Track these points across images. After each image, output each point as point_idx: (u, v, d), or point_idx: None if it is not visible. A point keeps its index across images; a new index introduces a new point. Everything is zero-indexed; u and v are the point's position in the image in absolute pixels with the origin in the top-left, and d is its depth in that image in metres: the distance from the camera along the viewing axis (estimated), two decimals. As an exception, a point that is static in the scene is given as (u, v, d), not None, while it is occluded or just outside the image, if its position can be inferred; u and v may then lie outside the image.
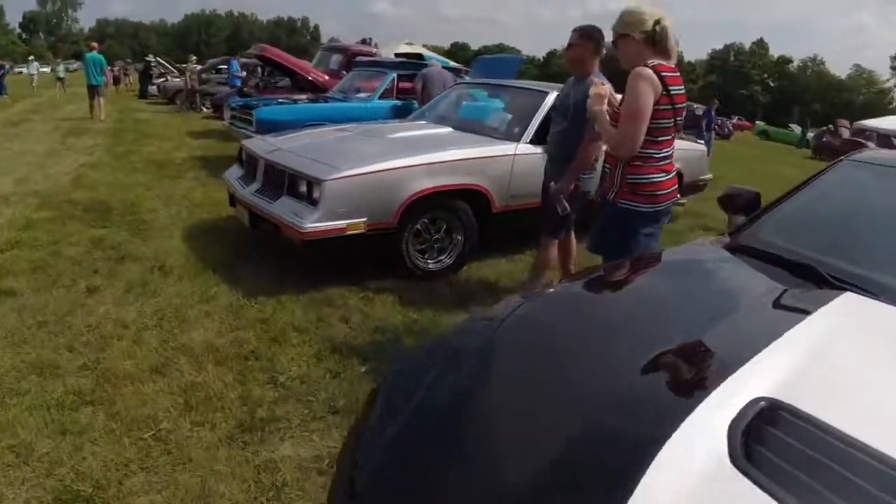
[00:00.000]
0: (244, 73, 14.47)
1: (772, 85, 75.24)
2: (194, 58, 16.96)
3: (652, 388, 1.26)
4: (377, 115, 7.84)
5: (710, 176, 7.12)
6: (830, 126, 28.66)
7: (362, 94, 8.27)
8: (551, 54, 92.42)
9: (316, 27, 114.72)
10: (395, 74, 8.24)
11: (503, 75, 10.04)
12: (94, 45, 15.03)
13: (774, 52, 77.32)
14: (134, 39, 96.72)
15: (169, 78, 21.28)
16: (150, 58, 23.45)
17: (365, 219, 3.69)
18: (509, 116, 4.97)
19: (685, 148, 6.54)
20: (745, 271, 1.93)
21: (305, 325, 3.25)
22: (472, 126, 4.91)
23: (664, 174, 2.69)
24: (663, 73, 2.54)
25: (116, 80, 24.77)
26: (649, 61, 2.56)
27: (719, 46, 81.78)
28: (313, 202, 3.62)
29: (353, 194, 3.64)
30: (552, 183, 3.54)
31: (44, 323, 3.09)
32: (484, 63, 9.89)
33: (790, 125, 37.10)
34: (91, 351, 2.83)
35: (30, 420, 2.28)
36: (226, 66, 20.49)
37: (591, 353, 1.43)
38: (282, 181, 3.91)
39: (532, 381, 1.34)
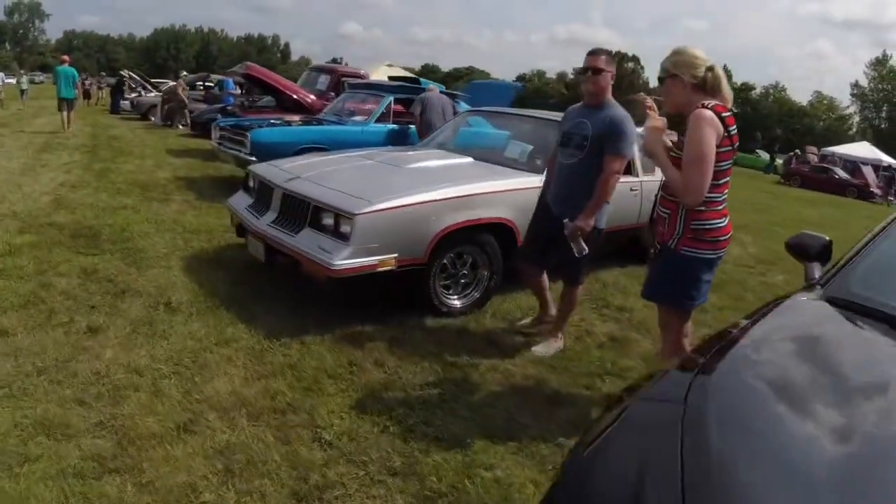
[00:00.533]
0: (239, 92, 14.15)
1: (735, 111, 77.49)
2: (185, 73, 16.48)
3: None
4: (374, 139, 7.65)
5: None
6: (798, 152, 29.55)
7: (358, 118, 8.05)
8: (521, 77, 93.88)
9: (286, 45, 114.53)
10: (391, 98, 8.06)
11: (498, 101, 10.00)
12: (66, 57, 14.62)
13: (737, 79, 79.93)
14: (101, 53, 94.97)
15: (142, 93, 20.71)
16: (124, 72, 22.81)
17: (396, 255, 3.46)
18: (530, 148, 4.81)
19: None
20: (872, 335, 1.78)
21: (338, 372, 2.99)
22: (492, 157, 4.75)
23: (724, 218, 2.59)
24: (723, 114, 2.45)
25: (87, 94, 24.04)
26: (707, 102, 2.46)
27: None
28: (342, 236, 3.38)
29: (384, 229, 3.42)
30: (566, 220, 3.29)
31: (44, 370, 2.76)
32: (478, 88, 9.83)
33: (756, 151, 38.17)
34: (104, 405, 2.51)
35: (46, 493, 1.97)
36: (202, 84, 20.18)
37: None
38: (304, 213, 3.66)
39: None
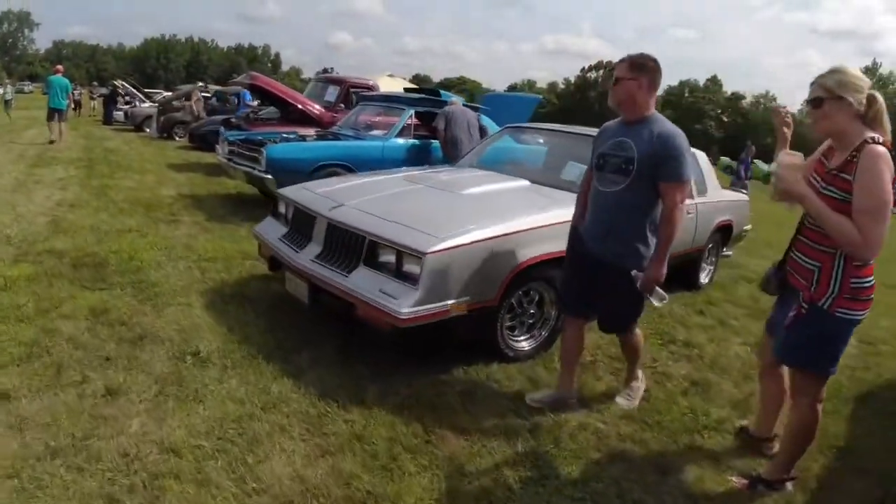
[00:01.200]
0: (256, 104, 13.68)
1: (725, 120, 78.07)
2: (201, 84, 15.85)
3: None
4: (395, 155, 7.19)
5: (750, 226, 6.78)
6: None
7: (376, 132, 7.58)
8: (512, 87, 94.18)
9: (277, 55, 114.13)
10: (412, 111, 7.59)
11: (517, 115, 9.58)
12: (59, 67, 14.14)
13: (728, 88, 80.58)
14: (91, 62, 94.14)
15: (137, 104, 20.13)
16: (117, 82, 22.21)
17: (468, 298, 2.98)
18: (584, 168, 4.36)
19: (733, 198, 6.15)
20: None
21: (414, 443, 2.49)
22: (547, 179, 4.30)
23: (871, 272, 2.19)
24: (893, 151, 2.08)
25: (77, 105, 23.40)
26: (875, 136, 2.06)
27: (674, 83, 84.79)
28: (407, 278, 2.91)
29: (457, 269, 2.94)
30: (634, 272, 2.70)
31: (59, 451, 2.24)
32: (494, 102, 9.39)
33: (755, 160, 38.23)
34: (143, 502, 2.00)
35: None
36: (206, 95, 19.62)
37: None
38: (356, 248, 3.17)
39: None
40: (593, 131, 5.04)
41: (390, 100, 8.20)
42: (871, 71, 67.69)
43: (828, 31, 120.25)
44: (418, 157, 7.50)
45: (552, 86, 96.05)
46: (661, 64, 2.72)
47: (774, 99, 79.51)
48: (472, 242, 3.02)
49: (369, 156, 7.03)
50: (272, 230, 3.90)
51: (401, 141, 7.41)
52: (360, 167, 6.82)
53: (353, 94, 10.51)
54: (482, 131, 7.59)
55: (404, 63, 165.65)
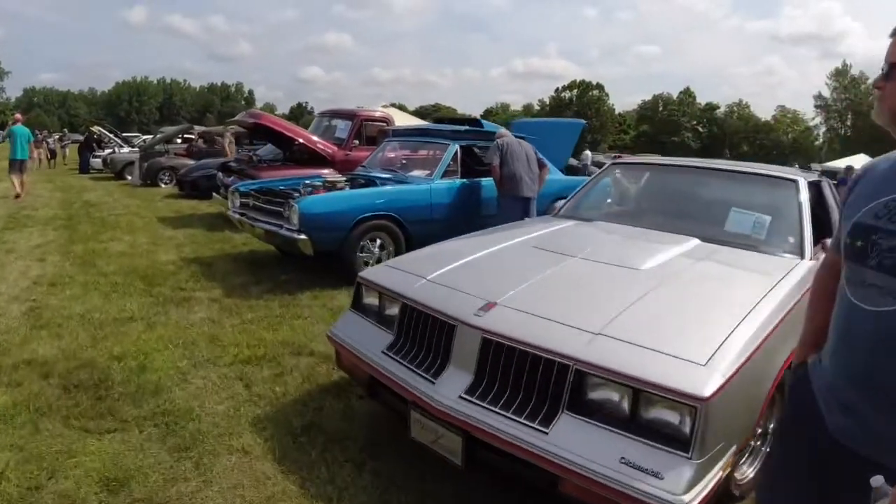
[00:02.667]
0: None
1: (701, 131, 78.65)
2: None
3: None
4: (443, 199, 6.06)
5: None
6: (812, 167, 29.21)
7: (417, 173, 6.39)
8: (488, 112, 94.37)
9: (251, 92, 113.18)
10: (457, 146, 6.43)
11: (561, 144, 8.47)
12: (18, 116, 13.01)
13: (701, 99, 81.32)
14: (62, 109, 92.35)
15: (116, 149, 18.78)
16: (94, 128, 20.84)
17: (734, 446, 1.83)
18: (768, 219, 3.23)
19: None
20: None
21: None
22: (709, 233, 3.19)
23: None
24: None
25: (52, 154, 21.93)
26: None
27: (648, 98, 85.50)
28: (662, 435, 1.71)
29: (730, 409, 1.82)
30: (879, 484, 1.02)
31: None
32: (531, 128, 8.28)
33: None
34: None
35: None
36: (181, 137, 18.33)
37: None
38: (547, 379, 1.97)
39: None
40: (769, 168, 3.95)
41: (425, 134, 7.04)
42: (842, 73, 68.67)
43: (789, 36, 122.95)
44: (469, 200, 6.36)
45: (527, 108, 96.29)
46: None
47: (748, 107, 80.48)
48: (744, 362, 1.87)
49: (416, 202, 5.87)
50: (363, 335, 2.66)
51: (448, 182, 6.23)
52: (406, 216, 5.67)
53: (388, 130, 9.33)
54: (540, 164, 6.48)
55: (377, 94, 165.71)
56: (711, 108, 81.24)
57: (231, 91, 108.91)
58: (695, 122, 79.97)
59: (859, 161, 30.59)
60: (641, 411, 1.82)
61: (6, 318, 4.43)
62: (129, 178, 15.87)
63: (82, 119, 73.36)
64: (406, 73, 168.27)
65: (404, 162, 6.94)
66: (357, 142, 9.17)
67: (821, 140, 72.62)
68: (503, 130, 6.78)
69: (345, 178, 6.21)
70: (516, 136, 6.68)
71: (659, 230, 3.30)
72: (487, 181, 6.42)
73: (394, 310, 2.63)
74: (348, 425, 2.88)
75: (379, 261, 5.67)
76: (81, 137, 23.18)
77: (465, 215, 6.27)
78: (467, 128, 6.85)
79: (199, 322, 4.41)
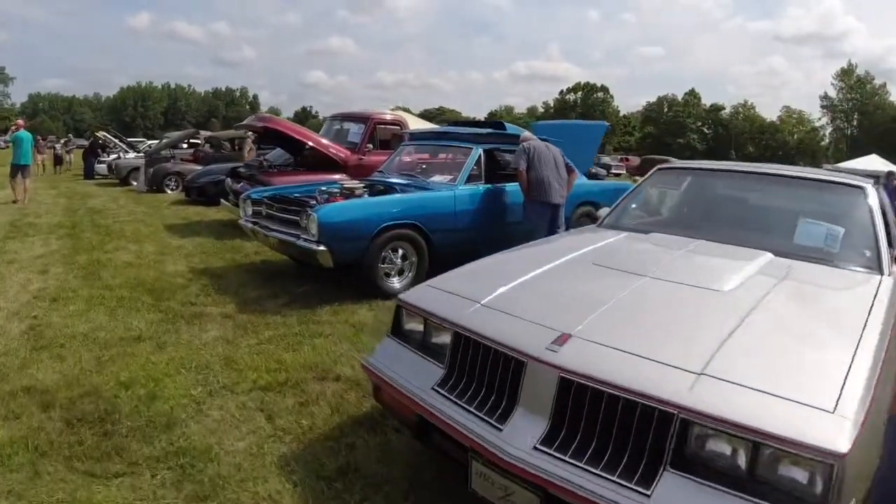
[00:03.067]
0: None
1: (707, 132, 78.27)
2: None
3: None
4: (468, 205, 5.74)
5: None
6: None
7: (439, 178, 6.05)
8: (492, 115, 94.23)
9: (255, 97, 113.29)
10: (480, 150, 6.09)
11: (583, 148, 8.14)
12: (20, 122, 12.91)
13: (706, 100, 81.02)
14: (67, 114, 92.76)
15: (122, 155, 18.52)
16: (99, 133, 20.59)
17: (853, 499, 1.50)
18: (840, 231, 2.91)
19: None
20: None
21: None
22: (779, 246, 2.88)
23: None
24: None
25: (58, 160, 21.67)
26: None
27: (652, 99, 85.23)
28: (793, 499, 1.42)
29: (861, 463, 1.52)
30: None
31: None
32: (552, 131, 7.94)
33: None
34: None
35: None
36: (186, 142, 18.05)
37: None
38: (642, 429, 1.64)
39: None
40: (792, 170, 3.65)
41: (445, 137, 6.70)
42: (847, 73, 68.25)
43: (792, 36, 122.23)
44: (494, 206, 6.02)
45: (531, 110, 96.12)
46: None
47: (753, 108, 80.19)
48: (870, 405, 1.58)
49: (440, 209, 5.53)
50: (407, 368, 2.31)
51: (472, 187, 5.89)
52: (429, 224, 5.34)
53: (402, 133, 9.02)
54: (568, 169, 6.15)
55: (381, 97, 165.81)
56: (717, 109, 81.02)
57: (236, 95, 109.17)
58: (700, 124, 79.77)
59: (871, 162, 30.16)
60: (761, 468, 1.49)
61: (5, 337, 4.11)
62: (135, 183, 15.60)
63: (87, 124, 73.55)
64: (409, 76, 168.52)
65: (424, 167, 6.61)
66: (371, 146, 8.85)
67: (827, 140, 72.18)
68: (528, 133, 6.45)
69: (363, 185, 5.87)
70: (541, 139, 6.34)
71: (724, 243, 2.96)
72: (512, 186, 6.09)
73: (443, 338, 2.28)
74: (388, 467, 2.54)
75: (401, 272, 5.34)
76: (86, 142, 22.95)
77: (489, 223, 5.93)
78: (490, 131, 6.49)
79: (213, 342, 4.08)
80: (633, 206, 3.83)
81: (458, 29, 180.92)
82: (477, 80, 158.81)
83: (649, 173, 4.05)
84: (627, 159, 48.02)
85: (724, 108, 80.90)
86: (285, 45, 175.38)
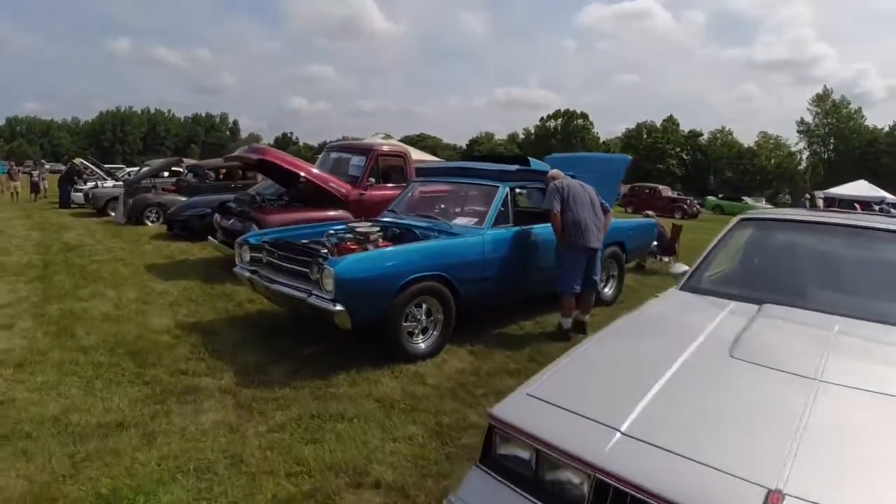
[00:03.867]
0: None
1: (686, 158, 79.05)
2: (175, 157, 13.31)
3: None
4: (498, 251, 5.14)
5: None
6: (808, 196, 28.87)
7: (464, 221, 5.42)
8: (474, 141, 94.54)
9: (235, 123, 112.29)
10: (507, 189, 5.49)
11: (606, 183, 7.57)
12: None
13: (684, 126, 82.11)
14: (45, 138, 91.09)
15: (99, 183, 17.65)
16: (77, 160, 19.69)
17: None
18: None
19: None
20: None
21: None
22: None
23: None
24: None
25: (35, 187, 20.64)
26: None
27: (631, 126, 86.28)
28: None
29: None
30: None
31: None
32: (571, 164, 7.37)
33: (744, 198, 38.12)
34: None
35: None
36: (167, 172, 17.28)
37: None
38: None
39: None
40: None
41: (466, 173, 6.07)
42: (823, 98, 69.55)
43: (764, 63, 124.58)
44: (525, 251, 5.43)
45: (512, 136, 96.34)
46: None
47: (730, 133, 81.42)
48: None
49: (469, 257, 4.90)
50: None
51: (500, 230, 5.27)
52: (458, 275, 4.69)
53: (417, 167, 8.40)
54: (603, 209, 5.58)
55: (361, 124, 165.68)
56: (695, 135, 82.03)
57: (216, 121, 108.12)
58: (679, 150, 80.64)
59: (859, 188, 30.23)
60: None
61: (-44, 424, 3.33)
62: (113, 214, 14.73)
63: (65, 149, 72.17)
64: (389, 103, 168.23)
65: (442, 206, 5.98)
66: (373, 179, 8.21)
67: (804, 164, 73.25)
68: (556, 171, 5.86)
69: (377, 228, 5.21)
70: (570, 176, 5.76)
71: (868, 319, 2.37)
72: (543, 228, 5.49)
73: (566, 476, 1.62)
74: None
75: (425, 330, 4.65)
76: (62, 167, 21.91)
77: (520, 270, 5.33)
78: (518, 167, 5.89)
79: (213, 429, 3.35)
80: (720, 263, 3.22)
81: (439, 57, 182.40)
82: (457, 107, 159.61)
83: (731, 224, 3.45)
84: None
85: (702, 134, 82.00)
86: (266, 72, 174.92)
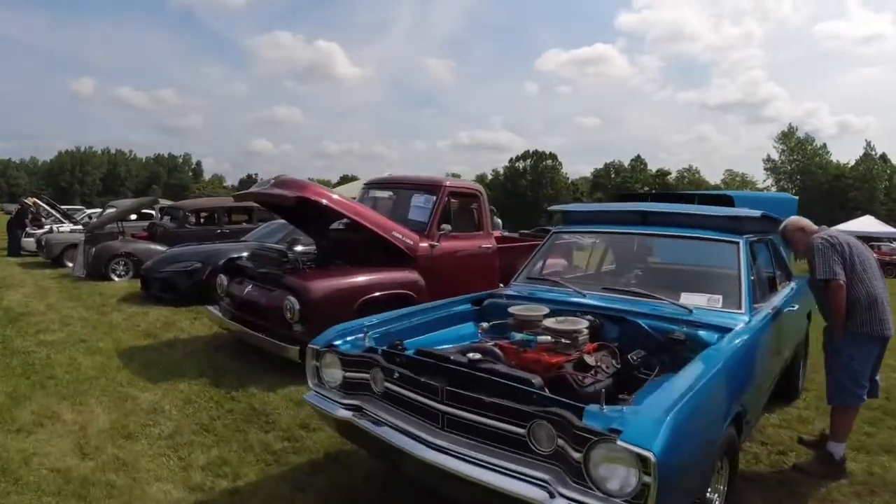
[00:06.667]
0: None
1: (653, 192, 79.15)
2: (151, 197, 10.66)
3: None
4: (762, 351, 2.87)
5: None
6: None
7: (697, 300, 3.18)
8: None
9: (199, 164, 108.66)
10: (747, 245, 3.32)
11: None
12: None
13: (652, 166, 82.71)
14: (1, 178, 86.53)
15: (54, 228, 14.91)
16: (28, 200, 16.87)
17: None
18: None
19: None
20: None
21: None
22: None
23: None
24: None
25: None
26: None
27: (598, 166, 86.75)
28: None
29: None
30: None
31: None
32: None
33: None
34: None
35: None
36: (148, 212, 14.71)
37: None
38: None
39: None
40: None
41: (648, 220, 3.85)
42: (787, 136, 70.58)
43: (717, 105, 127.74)
44: (781, 345, 3.23)
45: (480, 177, 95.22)
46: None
47: (697, 171, 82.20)
48: None
49: (748, 366, 2.69)
50: None
51: (761, 315, 3.07)
52: (748, 402, 2.42)
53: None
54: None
55: (327, 166, 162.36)
56: (663, 174, 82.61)
57: (178, 162, 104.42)
58: (647, 188, 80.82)
59: (866, 224, 29.32)
60: None
61: None
62: (70, 265, 12.04)
63: (22, 189, 68.18)
64: (355, 145, 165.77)
65: (639, 273, 3.75)
66: (448, 226, 5.94)
67: (771, 201, 73.96)
68: (799, 218, 3.73)
69: (585, 322, 2.93)
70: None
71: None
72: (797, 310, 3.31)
73: None
74: None
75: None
76: (16, 207, 18.89)
77: (769, 376, 3.16)
78: (761, 213, 3.70)
79: None
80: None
81: (403, 101, 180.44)
82: (421, 149, 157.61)
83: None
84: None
85: (669, 173, 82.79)
86: (231, 114, 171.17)
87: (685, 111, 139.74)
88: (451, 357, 2.57)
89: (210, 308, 6.11)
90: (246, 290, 5.48)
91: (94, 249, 11.19)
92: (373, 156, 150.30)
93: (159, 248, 10.63)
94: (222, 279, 5.98)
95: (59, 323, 7.02)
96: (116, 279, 10.72)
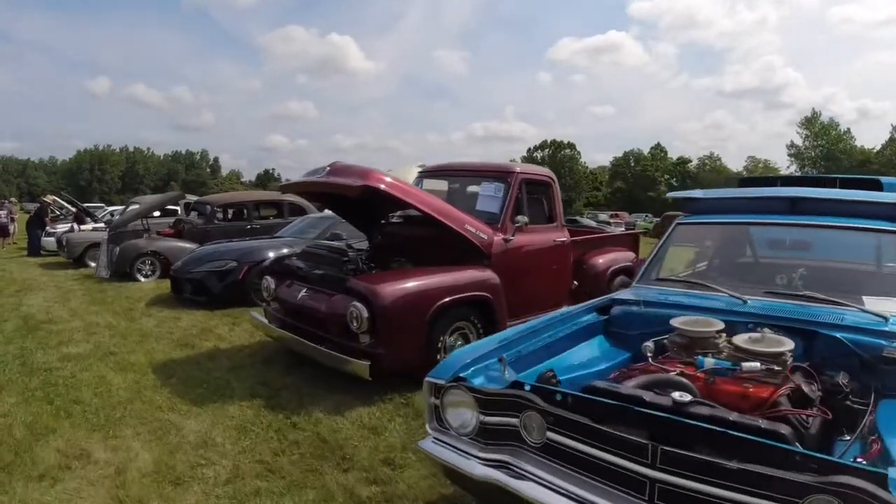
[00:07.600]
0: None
1: (675, 184, 77.54)
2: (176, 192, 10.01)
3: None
4: None
5: None
6: None
7: (884, 304, 2.39)
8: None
9: (216, 160, 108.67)
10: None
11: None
12: None
13: (672, 154, 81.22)
14: (21, 178, 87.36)
15: (75, 226, 14.38)
16: (47, 198, 16.36)
17: None
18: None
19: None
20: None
21: None
22: None
23: None
24: None
25: (3, 231, 17.15)
26: None
27: (614, 154, 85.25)
28: None
29: None
30: None
31: None
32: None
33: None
34: None
35: None
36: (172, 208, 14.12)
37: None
38: None
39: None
40: None
41: (810, 209, 3.06)
42: (811, 121, 68.66)
43: (733, 91, 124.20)
44: None
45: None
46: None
47: (719, 159, 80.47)
48: None
49: None
50: None
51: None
52: None
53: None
54: None
55: (341, 159, 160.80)
56: (683, 161, 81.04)
57: (196, 159, 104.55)
58: (668, 177, 79.27)
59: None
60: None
61: None
62: (93, 265, 11.48)
63: (42, 188, 68.63)
64: (369, 139, 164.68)
65: (801, 272, 2.95)
66: (524, 218, 5.17)
67: (795, 188, 72.24)
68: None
69: (790, 341, 2.17)
70: None
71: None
72: None
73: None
74: None
75: None
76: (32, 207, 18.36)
77: None
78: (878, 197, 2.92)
79: None
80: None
81: (417, 93, 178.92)
82: (435, 142, 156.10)
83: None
84: (617, 215, 45.86)
85: (690, 161, 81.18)
86: (246, 110, 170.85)
87: (701, 98, 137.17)
88: (646, 398, 1.81)
89: (254, 314, 5.42)
90: (300, 294, 4.76)
91: (117, 248, 10.59)
92: (386, 149, 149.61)
93: (188, 245, 10.01)
94: (269, 281, 5.27)
95: (84, 332, 6.37)
96: (143, 280, 10.12)
